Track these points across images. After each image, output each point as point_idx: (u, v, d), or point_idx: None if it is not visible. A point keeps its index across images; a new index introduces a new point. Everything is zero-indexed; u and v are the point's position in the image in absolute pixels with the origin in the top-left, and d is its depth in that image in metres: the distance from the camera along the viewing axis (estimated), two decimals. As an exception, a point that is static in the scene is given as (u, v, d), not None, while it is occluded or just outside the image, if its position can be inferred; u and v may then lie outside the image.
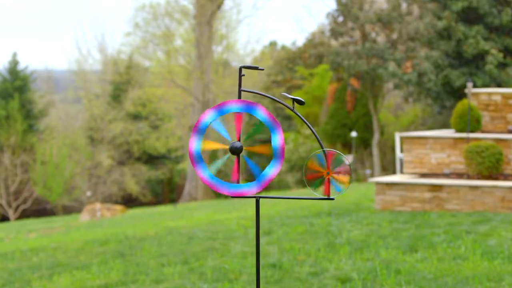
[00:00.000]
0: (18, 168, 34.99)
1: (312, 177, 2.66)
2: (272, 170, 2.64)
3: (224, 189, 2.66)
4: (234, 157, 2.68)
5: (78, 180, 35.67)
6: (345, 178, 2.64)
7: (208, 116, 2.65)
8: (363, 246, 7.22)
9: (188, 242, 8.61)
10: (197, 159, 2.66)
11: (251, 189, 2.66)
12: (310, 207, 11.52)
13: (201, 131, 2.66)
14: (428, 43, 25.03)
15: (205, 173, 2.66)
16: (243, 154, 2.67)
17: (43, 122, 39.26)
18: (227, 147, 2.66)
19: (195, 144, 2.65)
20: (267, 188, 26.15)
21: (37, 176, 33.76)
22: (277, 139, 2.63)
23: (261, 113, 2.64)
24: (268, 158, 2.67)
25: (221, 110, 2.66)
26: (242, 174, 2.79)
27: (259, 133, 2.67)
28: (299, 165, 32.03)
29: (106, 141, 36.62)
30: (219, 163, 2.69)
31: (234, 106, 2.65)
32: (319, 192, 2.69)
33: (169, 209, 20.76)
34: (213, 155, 27.43)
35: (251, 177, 2.73)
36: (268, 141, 2.68)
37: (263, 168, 2.68)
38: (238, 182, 2.66)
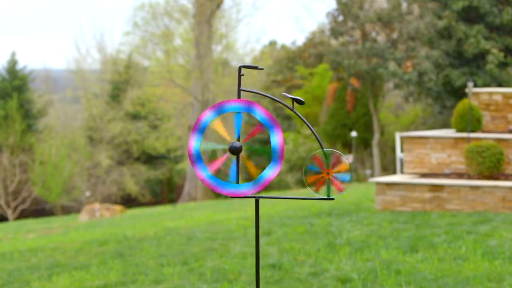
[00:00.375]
0: (17, 168, 34.92)
1: (312, 178, 2.65)
2: (270, 172, 2.61)
3: (221, 189, 2.64)
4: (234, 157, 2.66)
5: (77, 180, 35.61)
6: (344, 166, 2.62)
7: (208, 115, 2.63)
8: (363, 247, 7.18)
9: (188, 242, 8.58)
10: (196, 158, 2.64)
11: (248, 189, 2.63)
12: (310, 207, 11.46)
13: (201, 130, 2.64)
14: (429, 42, 24.96)
15: (203, 173, 2.64)
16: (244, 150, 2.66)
17: (42, 122, 39.16)
18: (227, 152, 2.64)
19: (194, 143, 2.63)
20: (267, 188, 26.10)
21: (36, 176, 33.68)
22: (276, 139, 2.60)
23: (260, 113, 2.62)
24: (267, 158, 2.66)
25: (220, 109, 2.64)
26: (241, 173, 2.82)
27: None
28: (299, 165, 31.98)
29: (105, 141, 36.55)
30: (213, 146, 2.66)
31: (233, 105, 2.63)
32: (318, 192, 2.67)
33: (168, 209, 20.72)
34: (213, 155, 27.30)
35: (250, 177, 2.72)
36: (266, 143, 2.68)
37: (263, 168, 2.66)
38: (237, 182, 2.65)
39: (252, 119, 2.68)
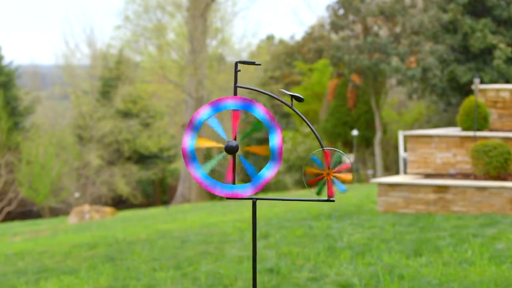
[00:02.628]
0: (3, 168, 34.63)
1: (312, 179, 2.61)
2: (268, 172, 2.59)
3: (218, 190, 2.61)
4: (229, 157, 2.62)
5: (65, 181, 35.34)
6: (347, 176, 2.58)
7: (204, 113, 2.60)
8: (365, 250, 7.15)
9: (181, 246, 8.58)
10: (191, 157, 2.61)
11: (246, 191, 2.60)
12: (309, 209, 11.47)
13: (196, 127, 2.60)
14: (433, 37, 24.76)
15: (198, 172, 2.61)
16: (238, 153, 2.61)
17: (29, 119, 39.02)
18: (222, 145, 2.59)
19: (189, 141, 2.59)
20: (265, 189, 25.95)
21: (22, 177, 33.36)
22: (275, 139, 2.58)
23: (259, 111, 2.59)
24: (264, 159, 2.63)
25: (217, 107, 2.61)
26: (238, 174, 2.88)
27: (256, 131, 2.60)
28: (297, 165, 31.85)
29: (95, 140, 36.31)
30: (213, 162, 2.62)
31: (231, 103, 2.60)
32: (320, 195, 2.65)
33: (161, 211, 20.89)
34: (207, 155, 27.21)
35: (246, 178, 2.57)
36: (265, 141, 2.57)
37: (259, 169, 2.62)
38: (233, 182, 2.60)
39: (248, 118, 2.51)
